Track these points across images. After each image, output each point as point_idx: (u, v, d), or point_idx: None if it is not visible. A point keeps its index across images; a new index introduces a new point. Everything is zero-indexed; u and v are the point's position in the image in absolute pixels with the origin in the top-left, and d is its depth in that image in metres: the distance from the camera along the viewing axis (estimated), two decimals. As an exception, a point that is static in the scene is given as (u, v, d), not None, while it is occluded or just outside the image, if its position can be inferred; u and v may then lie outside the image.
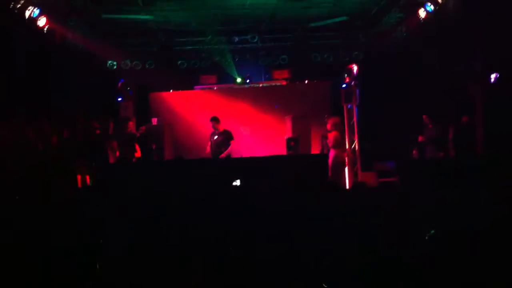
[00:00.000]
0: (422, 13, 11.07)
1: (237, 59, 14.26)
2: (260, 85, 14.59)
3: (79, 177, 10.40)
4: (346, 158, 11.24)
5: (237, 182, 8.33)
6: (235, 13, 12.25)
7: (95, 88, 12.43)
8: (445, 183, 7.57)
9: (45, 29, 10.99)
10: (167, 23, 12.89)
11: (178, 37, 13.76)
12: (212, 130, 11.52)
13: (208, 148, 11.47)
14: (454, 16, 10.00)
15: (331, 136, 10.79)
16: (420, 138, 11.38)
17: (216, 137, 11.36)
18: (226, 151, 11.14)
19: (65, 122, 11.47)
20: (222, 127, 11.49)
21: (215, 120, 11.49)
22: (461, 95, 10.89)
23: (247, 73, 14.47)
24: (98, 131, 11.26)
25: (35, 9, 10.40)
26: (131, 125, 12.02)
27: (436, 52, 11.08)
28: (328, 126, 10.83)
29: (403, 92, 12.18)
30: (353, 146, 11.68)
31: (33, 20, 10.51)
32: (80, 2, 11.24)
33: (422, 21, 11.24)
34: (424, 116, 11.41)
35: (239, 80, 14.42)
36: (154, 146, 12.01)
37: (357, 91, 11.56)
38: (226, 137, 11.29)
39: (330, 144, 10.94)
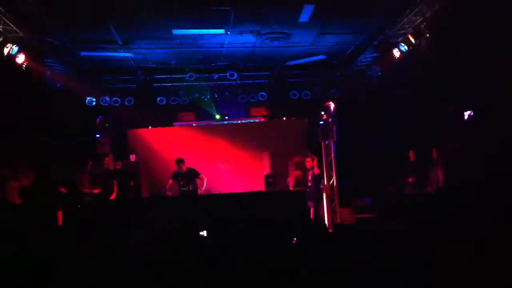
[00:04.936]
0: (396, 53, 11.33)
1: (216, 96, 14.41)
2: (239, 122, 14.70)
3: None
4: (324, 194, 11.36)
5: (204, 233, 8.09)
6: (214, 51, 12.42)
7: (73, 125, 12.38)
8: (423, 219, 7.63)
9: (24, 66, 10.99)
10: (145, 61, 13.01)
11: (157, 74, 13.88)
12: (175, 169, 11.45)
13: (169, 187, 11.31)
14: (428, 56, 10.24)
15: (292, 176, 11.00)
16: (410, 179, 11.36)
17: (180, 178, 11.26)
18: (203, 185, 11.12)
19: (42, 160, 11.35)
20: (191, 165, 11.45)
21: (181, 161, 11.40)
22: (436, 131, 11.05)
23: (226, 110, 14.60)
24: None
25: (13, 46, 10.41)
26: (108, 161, 11.96)
27: (409, 91, 11.29)
28: (291, 166, 11.03)
29: (379, 128, 12.36)
30: (331, 183, 11.75)
31: (11, 57, 10.52)
32: (59, 40, 11.28)
33: (396, 61, 11.49)
34: (410, 152, 11.47)
35: (217, 117, 14.52)
36: (131, 183, 11.93)
37: (334, 128, 11.71)
38: (192, 175, 11.25)
39: (290, 184, 11.12)
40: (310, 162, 11.31)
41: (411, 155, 11.38)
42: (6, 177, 10.22)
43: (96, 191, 11.16)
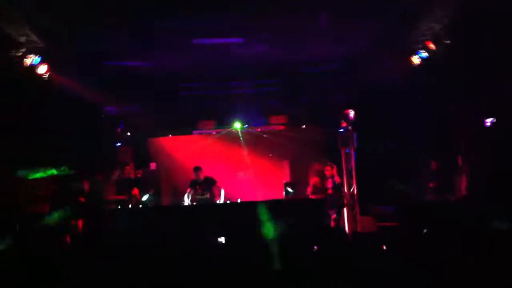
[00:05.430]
0: (416, 60, 11.17)
1: (235, 105, 14.42)
2: (258, 130, 14.70)
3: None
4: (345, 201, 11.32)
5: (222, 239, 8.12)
6: (233, 59, 12.45)
7: (94, 134, 12.51)
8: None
9: (46, 76, 11.14)
10: (166, 70, 13.08)
11: (177, 82, 13.94)
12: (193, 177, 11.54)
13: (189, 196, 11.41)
14: (446, 62, 10.13)
15: (310, 183, 10.98)
16: (431, 184, 11.23)
17: (197, 186, 11.36)
18: (221, 195, 11.19)
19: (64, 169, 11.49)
20: (210, 173, 11.56)
21: (198, 169, 11.51)
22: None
23: (245, 118, 14.60)
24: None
25: (35, 57, 10.57)
26: (129, 170, 12.07)
27: (426, 97, 11.18)
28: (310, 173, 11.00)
29: (397, 135, 12.22)
30: (351, 190, 11.69)
31: (33, 67, 10.68)
32: (81, 49, 11.42)
33: (415, 67, 11.36)
34: (432, 162, 11.33)
35: (237, 125, 14.54)
36: (152, 191, 12.03)
37: (355, 136, 11.66)
38: (209, 183, 11.34)
39: (308, 191, 11.09)
40: (329, 171, 11.27)
41: (433, 164, 11.24)
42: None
43: (121, 197, 11.29)
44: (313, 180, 11.21)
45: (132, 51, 11.52)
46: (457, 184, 10.85)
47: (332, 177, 11.25)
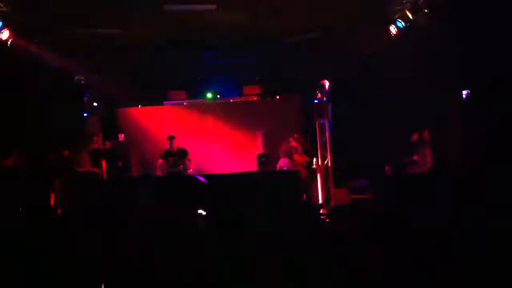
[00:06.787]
0: (393, 29, 11.05)
1: (208, 75, 14.08)
2: (231, 100, 14.41)
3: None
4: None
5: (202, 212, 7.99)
6: (207, 28, 12.09)
7: (62, 104, 12.05)
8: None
9: (8, 42, 10.63)
10: (137, 38, 12.65)
11: (149, 52, 13.51)
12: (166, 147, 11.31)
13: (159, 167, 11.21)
14: (425, 32, 9.98)
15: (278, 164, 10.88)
16: (415, 157, 11.14)
17: (170, 157, 11.15)
18: (190, 166, 10.99)
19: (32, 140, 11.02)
20: (181, 144, 11.34)
21: (173, 138, 11.28)
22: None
23: (218, 89, 14.29)
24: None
25: (-2, 22, 10.04)
26: (97, 140, 11.70)
27: (405, 70, 11.05)
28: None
29: (375, 106, 12.12)
30: (325, 162, 11.58)
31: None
32: (46, 15, 10.90)
33: (393, 37, 11.21)
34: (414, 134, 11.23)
35: (209, 95, 14.21)
36: (120, 163, 11.71)
37: (329, 107, 11.50)
38: (182, 155, 11.12)
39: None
40: (293, 142, 11.11)
41: (415, 135, 11.14)
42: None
43: (94, 169, 10.93)
44: (280, 162, 10.99)
45: (102, 17, 11.04)
46: (423, 157, 10.79)
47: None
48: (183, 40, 12.74)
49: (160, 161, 11.09)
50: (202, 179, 9.10)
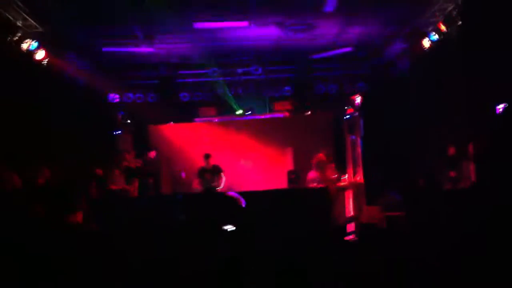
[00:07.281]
0: (426, 42, 10.85)
1: (239, 91, 14.07)
2: (261, 117, 14.35)
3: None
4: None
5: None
6: (237, 45, 12.15)
7: (95, 122, 12.22)
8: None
9: (44, 62, 10.81)
10: (168, 56, 12.79)
11: (180, 69, 13.63)
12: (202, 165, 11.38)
13: (195, 184, 11.31)
14: (458, 45, 9.78)
15: (307, 179, 10.65)
16: (452, 174, 10.88)
17: (206, 173, 11.23)
18: (222, 183, 11.01)
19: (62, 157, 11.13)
20: (213, 161, 11.40)
21: (209, 156, 11.35)
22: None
23: (249, 105, 14.26)
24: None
25: (33, 42, 10.22)
26: (129, 158, 11.77)
27: (439, 84, 10.84)
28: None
29: (408, 121, 11.90)
30: (357, 178, 11.37)
31: (30, 53, 10.33)
32: (80, 35, 11.09)
33: (426, 51, 11.01)
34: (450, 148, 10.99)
35: (239, 112, 14.19)
36: (151, 180, 11.74)
37: (361, 122, 11.31)
38: (216, 171, 11.20)
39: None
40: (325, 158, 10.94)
41: (451, 149, 10.86)
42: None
43: (127, 187, 10.97)
44: (310, 174, 10.79)
45: (132, 37, 11.19)
46: (466, 171, 10.51)
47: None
48: (215, 57, 12.84)
49: (196, 180, 11.29)
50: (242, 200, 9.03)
